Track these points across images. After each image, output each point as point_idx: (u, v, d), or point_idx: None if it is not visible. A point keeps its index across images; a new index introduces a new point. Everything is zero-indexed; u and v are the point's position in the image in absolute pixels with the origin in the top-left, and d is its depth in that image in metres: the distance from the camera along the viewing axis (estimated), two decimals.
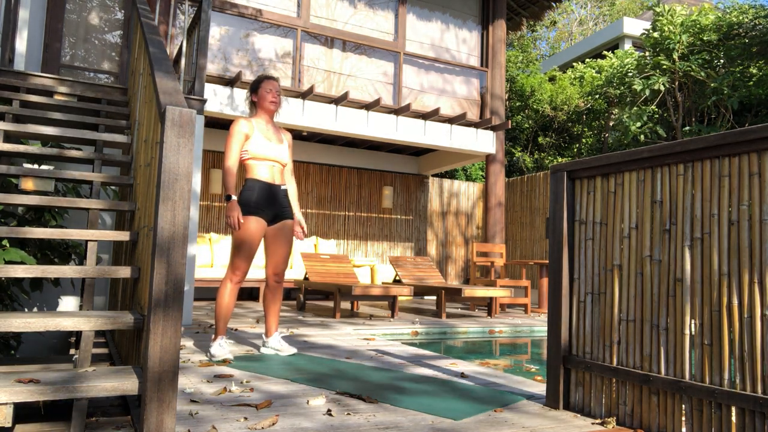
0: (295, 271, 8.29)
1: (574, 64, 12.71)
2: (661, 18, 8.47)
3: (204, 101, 4.91)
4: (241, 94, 6.66)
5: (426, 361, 3.44)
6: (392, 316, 6.06)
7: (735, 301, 1.81)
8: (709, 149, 1.92)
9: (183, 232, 1.83)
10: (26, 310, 4.46)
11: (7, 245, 3.27)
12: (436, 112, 7.55)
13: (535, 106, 11.98)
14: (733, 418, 1.79)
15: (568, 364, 2.36)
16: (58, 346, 4.62)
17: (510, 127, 8.66)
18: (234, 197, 3.28)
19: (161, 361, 1.74)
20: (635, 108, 8.78)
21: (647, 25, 14.50)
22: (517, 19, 9.93)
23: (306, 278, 6.77)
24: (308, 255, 6.95)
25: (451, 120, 7.89)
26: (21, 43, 5.15)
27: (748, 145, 1.80)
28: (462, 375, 3.02)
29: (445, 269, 10.42)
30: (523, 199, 9.90)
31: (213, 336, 3.45)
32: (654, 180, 2.11)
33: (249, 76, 6.87)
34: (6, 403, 1.63)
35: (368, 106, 7.36)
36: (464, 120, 7.93)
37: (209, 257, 8.03)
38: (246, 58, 6.95)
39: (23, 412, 2.07)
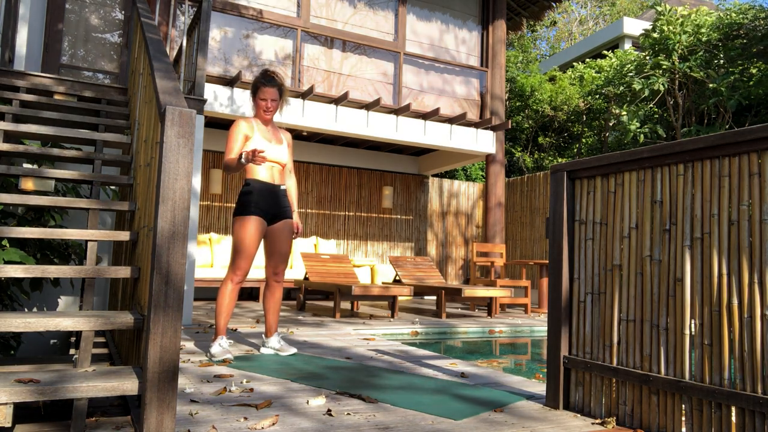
0: (295, 271, 8.29)
1: (574, 64, 12.70)
2: (661, 18, 8.46)
3: (204, 101, 4.91)
4: (241, 94, 6.66)
5: (426, 361, 3.43)
6: (392, 316, 6.06)
7: (735, 301, 1.80)
8: (709, 149, 1.92)
9: (183, 232, 1.83)
10: (26, 310, 4.46)
11: (7, 245, 3.26)
12: (436, 112, 7.55)
13: (535, 106, 11.98)
14: (733, 418, 1.79)
15: (568, 364, 2.36)
16: (58, 346, 4.62)
17: (510, 127, 8.66)
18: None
19: (161, 361, 1.74)
20: (632, 106, 8.77)
21: (647, 25, 14.49)
22: (517, 19, 9.92)
23: (306, 278, 6.77)
24: (308, 255, 6.95)
25: (451, 120, 7.89)
26: (21, 43, 5.15)
27: (748, 145, 1.80)
28: (462, 375, 3.02)
29: (445, 269, 10.42)
30: (523, 199, 9.90)
31: (213, 336, 3.45)
32: (654, 180, 2.11)
33: (249, 77, 6.87)
34: (6, 403, 1.63)
35: (368, 106, 7.36)
36: (464, 120, 7.93)
37: (209, 257, 8.03)
38: (246, 58, 6.95)
39: (23, 412, 2.07)
